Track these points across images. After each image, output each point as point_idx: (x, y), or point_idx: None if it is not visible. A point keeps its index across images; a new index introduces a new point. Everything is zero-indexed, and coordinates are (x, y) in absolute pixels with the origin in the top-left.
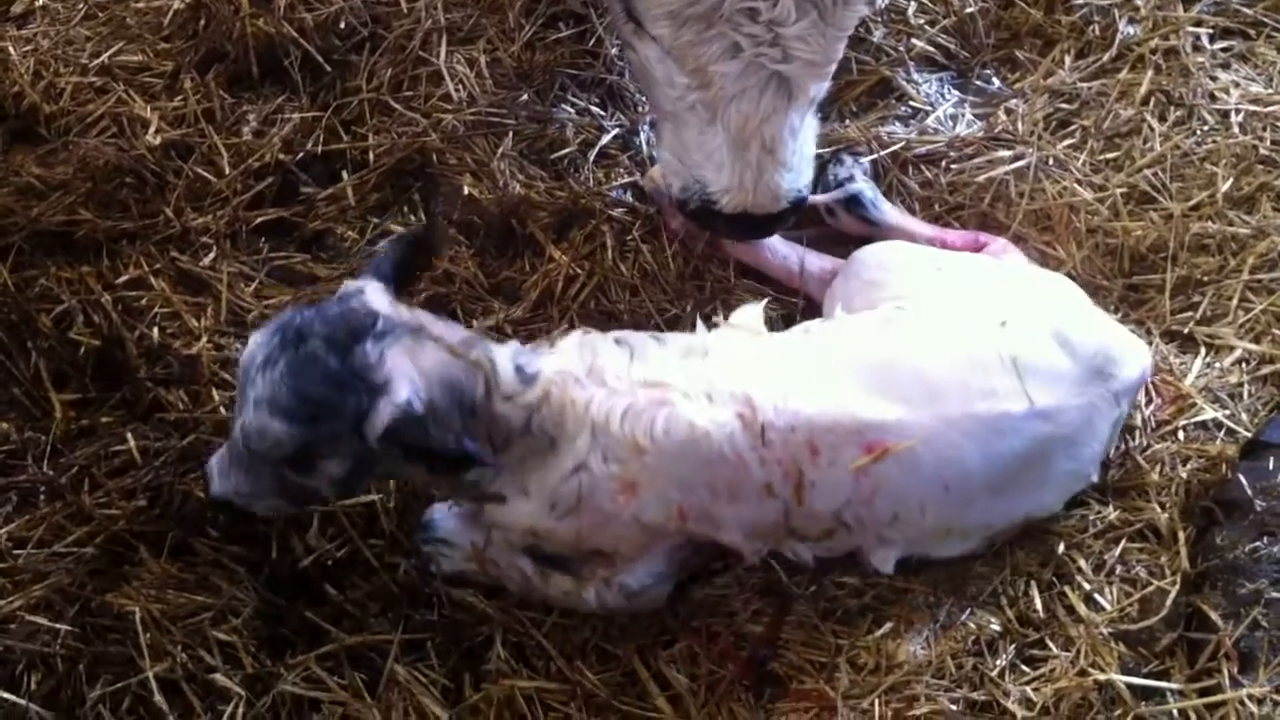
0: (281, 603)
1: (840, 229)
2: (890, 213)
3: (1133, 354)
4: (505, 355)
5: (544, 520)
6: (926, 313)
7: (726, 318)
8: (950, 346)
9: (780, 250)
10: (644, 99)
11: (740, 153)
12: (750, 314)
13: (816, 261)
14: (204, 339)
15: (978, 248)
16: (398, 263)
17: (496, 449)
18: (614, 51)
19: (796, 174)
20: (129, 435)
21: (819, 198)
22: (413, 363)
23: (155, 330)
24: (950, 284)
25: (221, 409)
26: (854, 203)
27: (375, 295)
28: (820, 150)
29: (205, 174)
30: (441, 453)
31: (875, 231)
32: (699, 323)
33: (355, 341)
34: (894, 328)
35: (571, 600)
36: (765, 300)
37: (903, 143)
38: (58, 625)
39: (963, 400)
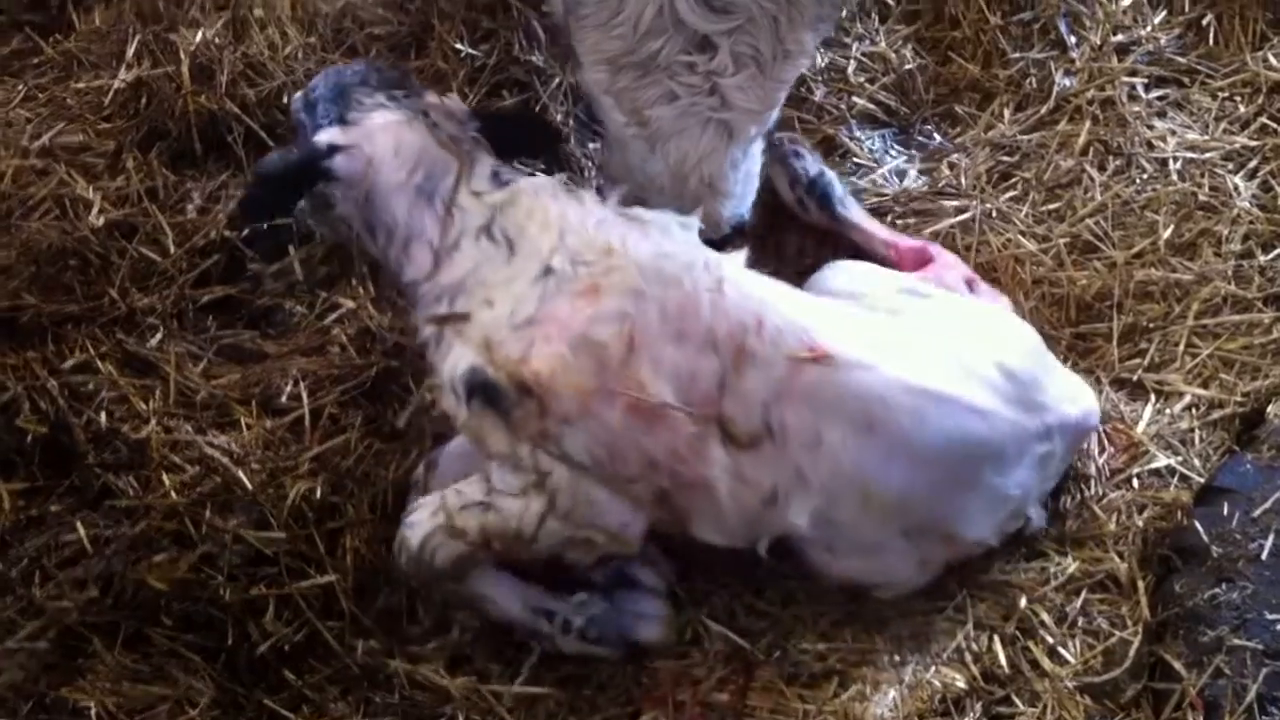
0: (240, 690)
1: (807, 220)
2: (855, 211)
3: (1074, 395)
4: (488, 161)
5: (500, 329)
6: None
7: None
8: (906, 335)
9: None
10: (591, 163)
11: (680, 184)
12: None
13: None
14: (152, 422)
15: (925, 259)
16: (506, 120)
17: (442, 247)
18: (559, 117)
19: (738, 200)
20: (79, 524)
21: (787, 193)
22: (394, 137)
23: (103, 415)
24: (903, 305)
25: (172, 493)
26: (825, 199)
27: (446, 100)
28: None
29: (150, 254)
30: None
31: (837, 227)
32: None
33: (375, 86)
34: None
35: (518, 509)
36: None
37: (850, 192)
38: None
39: (907, 367)
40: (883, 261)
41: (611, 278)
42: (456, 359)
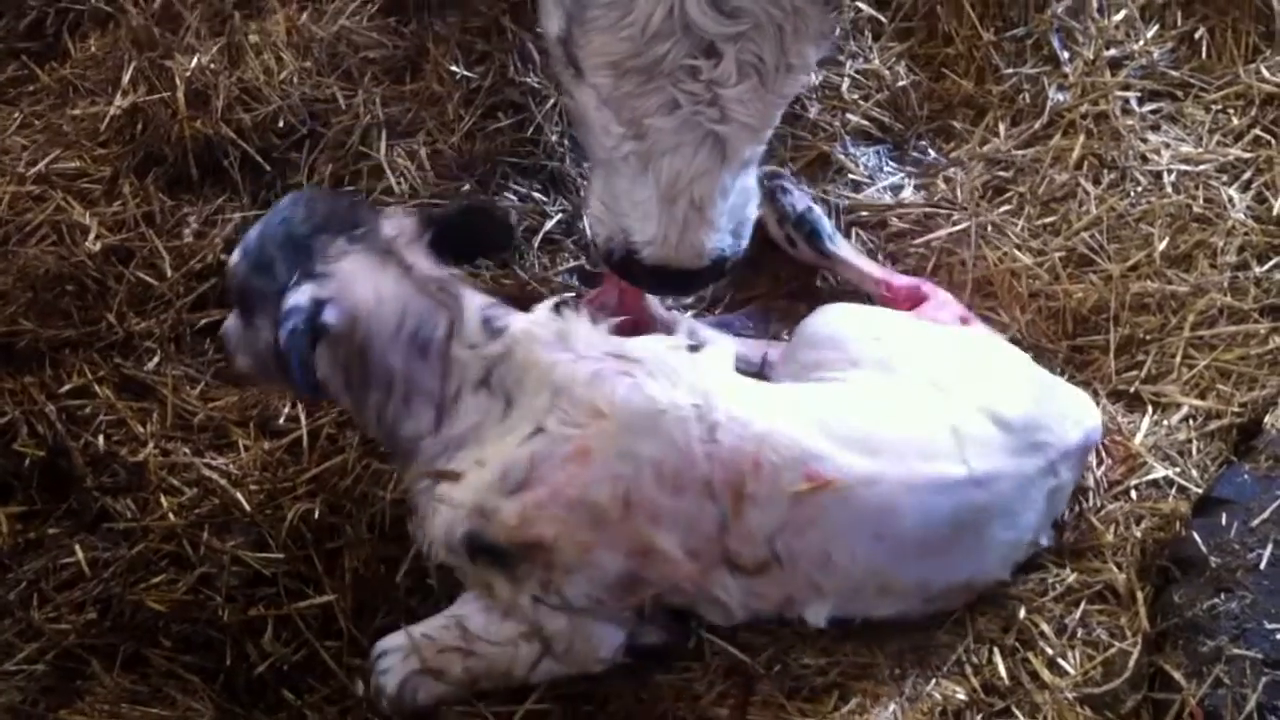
0: (238, 711)
1: (797, 258)
2: (844, 248)
3: (1074, 419)
4: (475, 304)
5: (493, 495)
6: (874, 379)
7: None
8: (895, 407)
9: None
10: (586, 182)
11: (668, 207)
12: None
13: None
14: (150, 445)
15: (919, 298)
16: (457, 224)
17: (444, 400)
18: (554, 138)
19: (723, 234)
20: (77, 547)
21: (775, 230)
22: (373, 284)
23: (100, 438)
24: (889, 354)
25: (170, 515)
26: (814, 235)
27: (396, 220)
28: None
29: (147, 278)
30: (292, 367)
31: (827, 264)
32: None
33: (333, 230)
34: (847, 386)
35: (507, 657)
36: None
37: (846, 207)
38: None
39: (904, 457)
40: (875, 300)
41: (602, 441)
42: (450, 520)
